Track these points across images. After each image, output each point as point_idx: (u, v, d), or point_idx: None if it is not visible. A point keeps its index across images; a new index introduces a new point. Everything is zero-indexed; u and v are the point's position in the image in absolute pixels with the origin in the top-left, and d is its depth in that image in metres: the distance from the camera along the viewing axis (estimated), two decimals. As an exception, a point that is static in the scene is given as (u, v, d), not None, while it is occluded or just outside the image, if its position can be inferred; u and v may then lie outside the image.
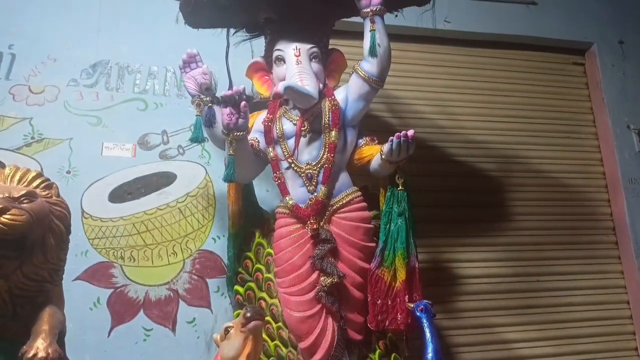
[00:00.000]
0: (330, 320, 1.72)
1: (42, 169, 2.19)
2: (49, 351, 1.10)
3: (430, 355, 1.56)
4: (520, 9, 3.00)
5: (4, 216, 1.11)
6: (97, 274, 2.16)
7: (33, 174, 1.27)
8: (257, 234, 2.06)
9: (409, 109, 2.80)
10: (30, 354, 1.09)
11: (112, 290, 2.15)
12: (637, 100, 3.01)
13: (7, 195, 1.14)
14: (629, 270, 2.82)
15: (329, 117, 1.82)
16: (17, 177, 1.23)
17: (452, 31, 2.86)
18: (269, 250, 2.00)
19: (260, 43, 2.11)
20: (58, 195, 1.31)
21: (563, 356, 2.63)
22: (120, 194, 2.25)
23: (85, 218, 2.20)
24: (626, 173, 2.88)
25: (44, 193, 1.24)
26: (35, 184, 1.24)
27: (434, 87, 2.87)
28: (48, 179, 1.30)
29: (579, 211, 2.88)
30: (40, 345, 1.08)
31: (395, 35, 2.53)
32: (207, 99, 1.75)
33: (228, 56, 2.32)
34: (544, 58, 3.06)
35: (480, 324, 2.56)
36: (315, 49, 1.87)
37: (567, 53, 3.11)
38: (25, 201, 1.17)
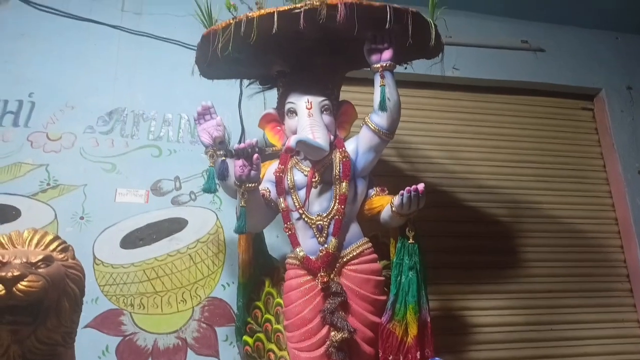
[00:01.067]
0: (340, 377, 1.69)
1: (56, 214, 2.23)
2: None
3: (442, 416, 1.52)
4: (527, 55, 3.04)
5: (21, 283, 1.12)
6: (107, 322, 2.15)
7: (50, 236, 1.29)
8: (267, 283, 2.06)
9: (419, 154, 2.82)
10: None
11: (121, 338, 2.14)
12: (648, 146, 3.02)
13: (24, 260, 1.16)
14: (646, 320, 2.77)
15: (339, 169, 1.83)
16: (34, 241, 1.25)
17: (461, 78, 2.90)
18: (279, 300, 1.98)
19: (272, 93, 2.16)
20: (74, 258, 1.32)
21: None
22: (132, 240, 2.26)
23: (97, 264, 2.21)
24: (638, 219, 2.86)
25: (60, 256, 1.26)
26: (52, 247, 1.26)
27: (444, 132, 2.89)
28: (64, 242, 1.32)
29: (592, 257, 2.85)
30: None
31: (405, 81, 2.58)
32: (221, 152, 1.78)
33: (241, 105, 2.39)
34: (552, 103, 3.09)
35: (493, 375, 2.50)
36: (326, 102, 1.91)
37: (576, 98, 3.14)
38: (42, 266, 1.19)
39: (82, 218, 2.25)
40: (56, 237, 1.31)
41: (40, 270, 1.18)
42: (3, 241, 1.23)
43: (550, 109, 3.08)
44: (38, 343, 1.20)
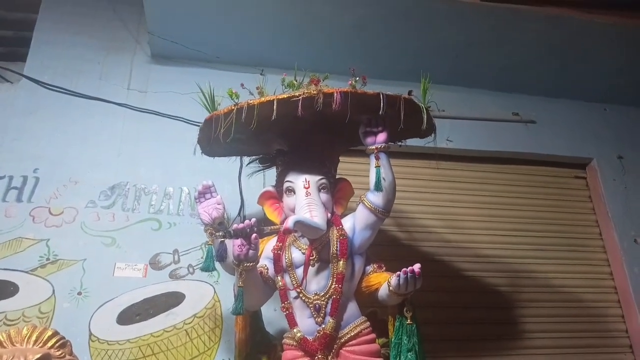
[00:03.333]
0: None
1: (54, 290, 2.23)
2: None
3: None
4: (519, 127, 3.14)
5: (18, 384, 1.13)
6: (101, 402, 2.11)
7: (49, 333, 1.31)
8: (264, 361, 2.03)
9: (416, 223, 2.85)
10: None
11: (114, 420, 2.09)
12: (642, 214, 3.06)
13: (22, 360, 1.18)
14: (651, 393, 2.70)
15: (337, 247, 1.86)
16: (33, 338, 1.26)
17: (455, 149, 2.98)
18: (276, 379, 1.96)
19: (272, 169, 2.22)
20: (71, 354, 1.33)
21: None
22: (129, 316, 2.25)
23: (93, 341, 2.19)
24: (637, 288, 2.86)
25: (58, 353, 1.27)
26: (50, 343, 1.27)
27: (440, 202, 2.94)
28: (63, 337, 1.33)
29: (593, 328, 2.82)
30: None
31: (400, 152, 2.65)
32: (220, 233, 1.81)
33: (241, 179, 2.45)
34: (546, 172, 3.16)
35: None
36: (323, 180, 1.96)
37: (568, 167, 3.21)
38: (39, 365, 1.20)
39: (79, 293, 2.25)
40: (54, 334, 1.32)
41: (38, 369, 1.18)
42: (2, 339, 1.24)
43: (543, 178, 3.14)
44: None
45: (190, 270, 2.40)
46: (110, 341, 2.20)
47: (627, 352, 2.81)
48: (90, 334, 2.19)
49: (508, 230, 2.95)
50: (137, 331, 2.23)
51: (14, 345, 1.22)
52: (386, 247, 2.52)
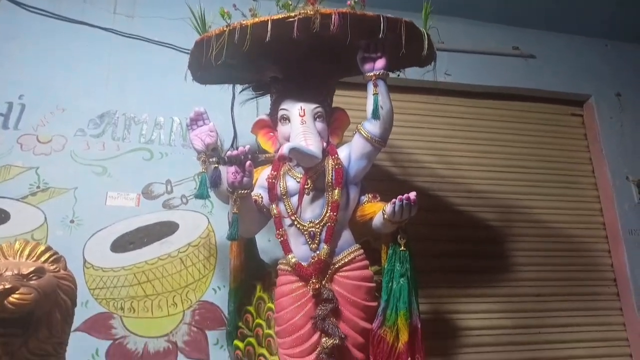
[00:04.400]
0: (331, 383, 1.70)
1: (46, 218, 2.21)
2: None
3: (432, 422, 1.54)
4: (519, 62, 3.07)
5: (12, 296, 1.12)
6: (97, 325, 2.15)
7: (42, 247, 1.29)
8: (258, 288, 2.06)
9: (410, 158, 2.84)
10: None
11: (111, 342, 2.14)
12: (636, 152, 3.06)
13: (16, 272, 1.16)
14: (630, 323, 2.81)
15: (332, 176, 1.84)
16: (26, 252, 1.25)
17: (453, 83, 2.92)
18: (270, 305, 1.99)
19: (265, 97, 2.16)
20: (65, 268, 1.32)
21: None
22: (122, 244, 2.26)
23: (87, 268, 2.20)
24: (626, 224, 2.90)
25: (52, 267, 1.26)
26: (43, 258, 1.26)
27: (435, 137, 2.91)
28: (56, 253, 1.32)
29: (579, 262, 2.89)
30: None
31: (397, 86, 2.60)
32: (213, 159, 1.78)
33: (233, 109, 2.39)
34: (542, 109, 3.12)
35: (482, 378, 2.53)
36: (319, 109, 1.91)
37: (566, 104, 3.17)
38: (33, 278, 1.18)
39: (72, 221, 2.24)
40: (48, 248, 1.31)
41: (32, 282, 1.17)
42: (-6, 252, 1.23)
43: (540, 115, 3.11)
44: (29, 354, 1.20)
45: (184, 200, 2.38)
46: (105, 268, 2.21)
47: (611, 285, 2.89)
48: (85, 261, 2.20)
49: (501, 167, 2.95)
50: (131, 259, 2.24)
51: (7, 259, 1.21)
52: (380, 183, 2.51)
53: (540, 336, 2.68)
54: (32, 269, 1.20)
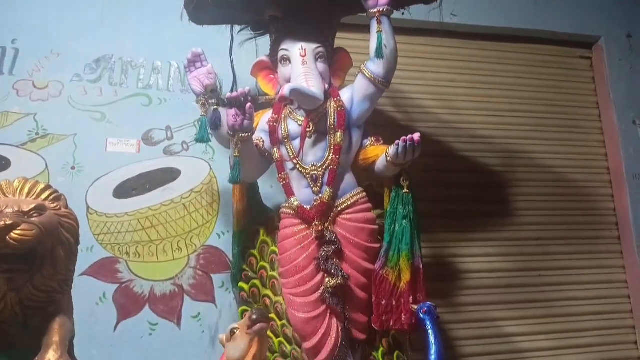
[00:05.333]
0: (334, 321, 1.74)
1: (47, 164, 2.21)
2: None
3: (433, 357, 1.58)
4: (527, 2, 2.96)
5: (14, 232, 1.12)
6: (103, 270, 2.18)
7: (42, 186, 1.28)
8: (261, 232, 2.07)
9: (414, 103, 2.79)
10: None
11: (117, 285, 2.18)
12: (644, 95, 2.99)
13: (17, 209, 1.16)
14: (630, 265, 2.84)
15: (334, 119, 1.81)
16: (26, 190, 1.24)
17: (459, 24, 2.83)
18: (274, 248, 2.01)
19: (265, 39, 2.10)
20: (66, 207, 1.32)
21: (563, 349, 2.65)
22: (125, 190, 2.26)
23: (91, 214, 2.21)
24: (630, 169, 2.88)
25: (52, 205, 1.25)
26: (44, 196, 1.25)
27: (439, 81, 2.85)
28: (57, 191, 1.31)
29: (582, 206, 2.89)
30: (51, 357, 1.10)
31: (401, 28, 2.51)
32: (213, 101, 1.74)
33: (232, 52, 2.33)
34: (550, 52, 3.03)
35: (481, 318, 2.58)
36: (321, 49, 1.86)
37: (574, 46, 3.07)
38: (34, 215, 1.18)
39: (73, 168, 2.23)
40: (47, 187, 1.30)
41: (33, 219, 1.17)
42: (-8, 191, 1.22)
43: (547, 58, 3.02)
44: (35, 290, 1.21)
45: (185, 146, 2.36)
46: (109, 214, 2.22)
47: (613, 229, 2.90)
48: (88, 207, 2.21)
49: (505, 112, 2.90)
50: (135, 205, 2.25)
51: (7, 197, 1.21)
52: (382, 128, 2.45)
53: (540, 279, 2.72)
54: (32, 206, 1.19)
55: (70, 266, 1.31)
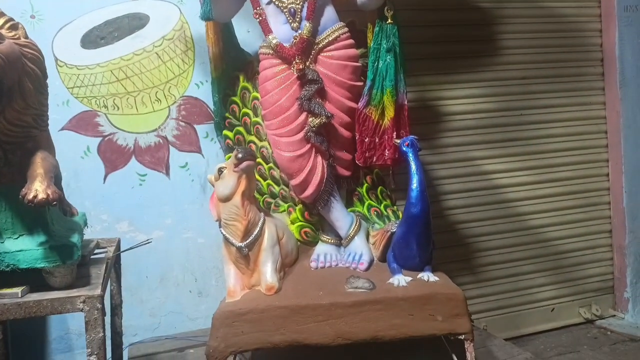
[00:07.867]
0: (319, 158, 1.77)
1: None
2: (49, 192, 1.11)
3: (415, 186, 1.63)
4: None
5: (-27, 62, 1.04)
6: (83, 123, 2.14)
7: (-6, 13, 1.16)
8: (241, 78, 2.02)
9: None
10: (31, 196, 1.10)
11: (100, 138, 2.16)
12: None
13: (-28, 39, 1.06)
14: (610, 101, 2.88)
15: (311, -57, 1.64)
16: (-23, 19, 1.13)
17: None
18: (255, 94, 1.97)
19: None
20: (26, 37, 1.22)
21: (539, 184, 2.79)
22: (92, 39, 2.12)
23: (60, 66, 2.10)
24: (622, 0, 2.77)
25: (10, 34, 1.15)
26: (-2, 24, 1.14)
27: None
28: (12, 19, 1.19)
29: (568, 43, 2.83)
30: (38, 187, 1.09)
31: None
32: None
33: None
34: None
35: (463, 158, 2.66)
36: None
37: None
38: (-8, 44, 1.09)
39: (32, 17, 2.06)
40: (2, 13, 1.18)
41: (-9, 49, 1.09)
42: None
43: None
44: (9, 125, 1.18)
45: (151, -12, 2.17)
46: (79, 66, 2.11)
47: (598, 65, 2.89)
48: (56, 58, 2.09)
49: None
50: (105, 55, 2.13)
51: (-46, 30, 1.10)
52: None
53: (522, 117, 2.75)
54: (-13, 50, 1.10)
55: (42, 100, 1.26)
